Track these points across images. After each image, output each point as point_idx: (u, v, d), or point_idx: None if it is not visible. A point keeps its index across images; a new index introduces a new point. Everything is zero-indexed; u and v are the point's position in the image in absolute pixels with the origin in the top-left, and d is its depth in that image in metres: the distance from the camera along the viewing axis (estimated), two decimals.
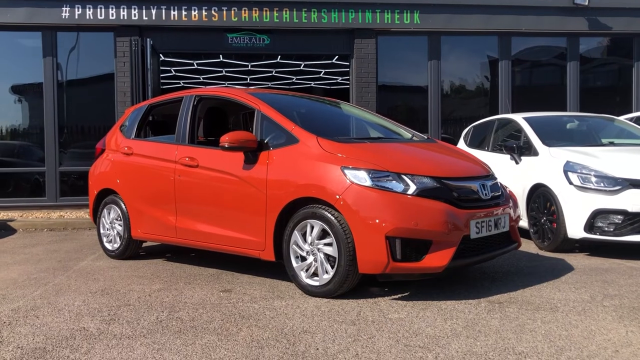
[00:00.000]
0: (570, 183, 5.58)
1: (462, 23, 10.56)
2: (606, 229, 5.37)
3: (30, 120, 10.42)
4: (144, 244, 5.99)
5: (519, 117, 7.02)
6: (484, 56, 11.26)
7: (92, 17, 9.81)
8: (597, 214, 5.39)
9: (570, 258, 5.45)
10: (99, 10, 9.81)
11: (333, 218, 3.95)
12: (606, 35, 11.28)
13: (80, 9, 9.78)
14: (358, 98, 10.37)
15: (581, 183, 5.51)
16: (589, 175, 5.50)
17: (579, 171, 5.58)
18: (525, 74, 11.57)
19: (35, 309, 3.88)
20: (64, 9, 9.75)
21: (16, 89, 10.38)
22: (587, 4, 10.46)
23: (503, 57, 10.87)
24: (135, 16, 9.88)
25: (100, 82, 10.33)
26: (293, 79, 15.05)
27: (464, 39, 10.93)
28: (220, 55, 12.04)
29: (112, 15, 9.84)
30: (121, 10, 9.84)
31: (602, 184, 5.40)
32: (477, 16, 10.56)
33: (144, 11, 9.89)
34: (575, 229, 5.52)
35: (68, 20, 9.78)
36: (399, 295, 4.09)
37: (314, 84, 15.77)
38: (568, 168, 5.66)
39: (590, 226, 5.43)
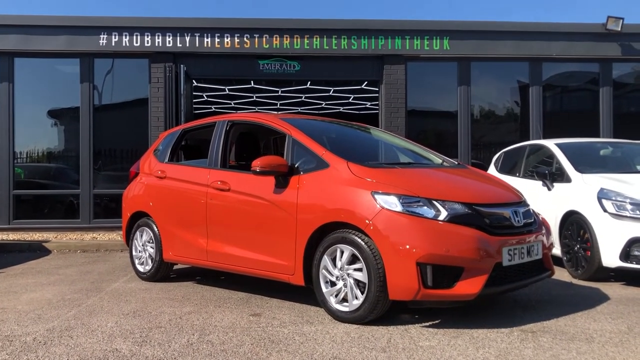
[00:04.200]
0: (605, 210, 5.47)
1: (493, 49, 10.56)
2: None
3: (66, 143, 10.71)
4: (175, 267, 6.06)
5: (550, 143, 6.94)
6: (514, 81, 11.21)
7: (128, 44, 10.11)
8: (633, 242, 5.26)
9: (606, 287, 5.32)
10: (134, 37, 10.11)
11: (363, 243, 3.94)
12: (639, 61, 11.13)
13: (117, 37, 10.09)
14: (387, 123, 10.40)
15: (616, 210, 5.40)
16: (624, 203, 5.40)
17: (613, 198, 5.48)
18: (557, 99, 11.47)
19: (70, 330, 3.95)
20: (101, 36, 10.08)
21: (53, 114, 10.71)
22: (619, 29, 10.36)
23: (534, 83, 10.81)
24: (169, 43, 10.15)
25: (135, 107, 10.60)
26: (322, 104, 15.20)
27: (494, 64, 10.91)
28: (252, 81, 12.26)
29: (148, 43, 10.13)
30: (156, 37, 10.12)
31: (638, 212, 5.29)
32: (507, 42, 10.56)
33: (178, 38, 10.16)
34: (610, 258, 5.39)
35: (105, 47, 10.10)
36: (430, 323, 4.04)
37: (343, 109, 15.91)
38: (602, 195, 5.56)
39: (626, 255, 5.31)
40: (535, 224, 4.45)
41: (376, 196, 3.98)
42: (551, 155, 6.76)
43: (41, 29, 10.02)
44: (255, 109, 15.96)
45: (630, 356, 3.30)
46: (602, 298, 4.85)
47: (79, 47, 10.11)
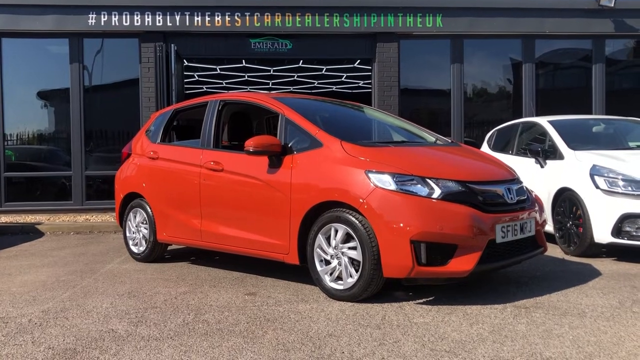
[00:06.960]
0: (597, 187, 5.50)
1: (485, 26, 10.49)
2: (634, 233, 5.29)
3: (56, 125, 10.61)
4: (169, 247, 6.06)
5: (543, 121, 6.95)
6: (507, 59, 11.17)
7: (117, 24, 9.97)
8: (625, 219, 5.31)
9: (597, 263, 5.37)
10: (124, 16, 9.97)
11: (357, 222, 3.95)
12: (632, 37, 11.10)
13: (106, 16, 9.94)
14: (380, 102, 10.37)
15: (608, 187, 5.44)
16: (616, 179, 5.43)
17: (605, 175, 5.50)
18: (550, 76, 11.45)
19: (65, 311, 3.95)
20: (90, 15, 9.93)
21: (43, 95, 10.58)
22: (612, 5, 10.31)
23: (527, 60, 10.77)
24: (159, 22, 10.01)
25: (126, 87, 10.49)
26: (315, 83, 15.13)
27: (487, 42, 10.86)
28: (243, 60, 12.17)
29: (137, 22, 9.99)
30: (146, 16, 9.98)
31: (630, 188, 5.32)
32: (500, 19, 10.49)
33: (168, 17, 10.03)
34: (602, 234, 5.44)
35: (94, 26, 9.96)
36: (424, 300, 4.07)
37: (336, 88, 15.84)
38: (594, 172, 5.59)
39: (617, 231, 5.35)
40: (528, 201, 4.47)
41: (370, 175, 3.98)
42: (544, 133, 6.77)
43: (29, 8, 9.84)
44: (247, 88, 15.85)
45: (621, 330, 3.34)
46: (594, 273, 4.90)
47: (68, 27, 9.96)
